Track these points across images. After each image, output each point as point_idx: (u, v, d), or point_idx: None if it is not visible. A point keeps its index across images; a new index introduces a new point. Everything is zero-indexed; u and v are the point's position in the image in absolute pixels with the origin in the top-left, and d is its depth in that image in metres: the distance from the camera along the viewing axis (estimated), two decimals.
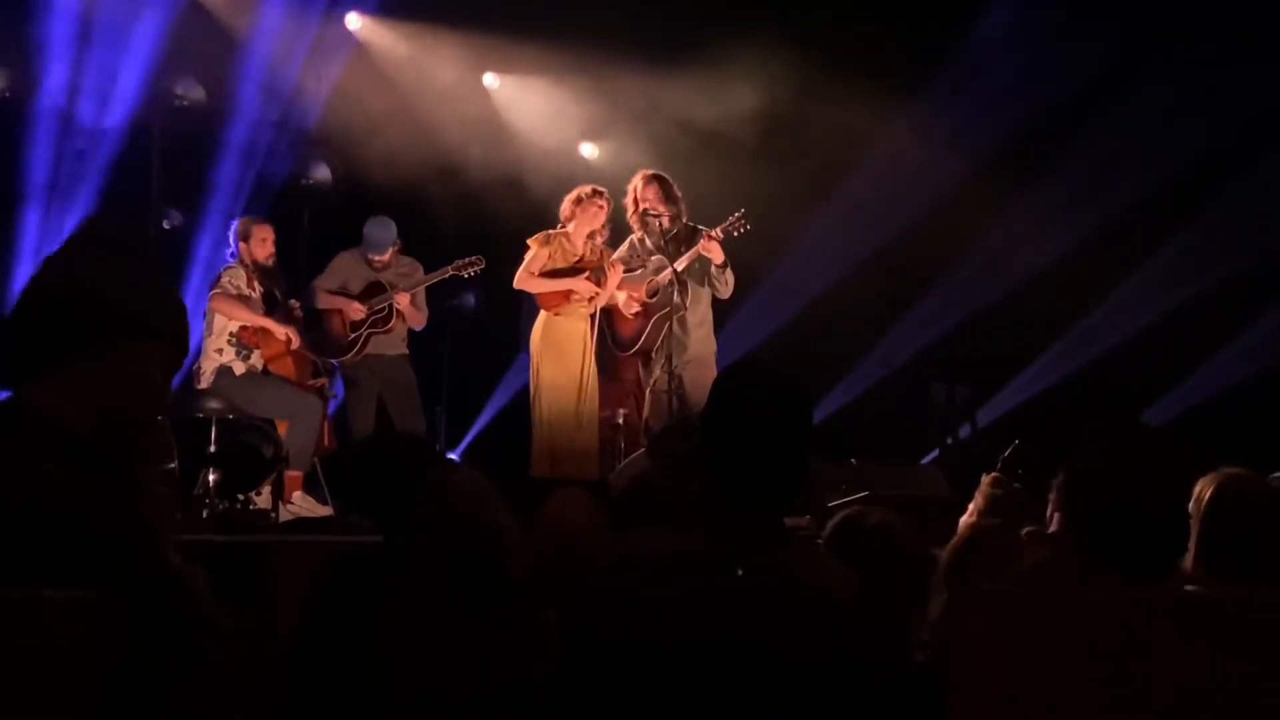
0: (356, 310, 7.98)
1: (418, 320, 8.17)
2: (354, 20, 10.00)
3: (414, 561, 3.01)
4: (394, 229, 8.14)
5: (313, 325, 8.02)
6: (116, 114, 9.09)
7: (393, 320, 8.03)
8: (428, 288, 8.19)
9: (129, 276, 2.16)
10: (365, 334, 8.01)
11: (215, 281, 7.53)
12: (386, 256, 8.12)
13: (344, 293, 8.04)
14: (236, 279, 7.47)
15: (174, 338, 2.21)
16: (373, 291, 8.05)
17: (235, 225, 7.75)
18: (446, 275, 8.12)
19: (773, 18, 9.30)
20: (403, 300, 7.99)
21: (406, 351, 8.23)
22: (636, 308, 7.69)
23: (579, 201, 7.68)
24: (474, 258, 8.05)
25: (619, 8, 9.34)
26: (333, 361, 8.08)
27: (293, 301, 7.79)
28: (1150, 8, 9.44)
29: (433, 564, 2.94)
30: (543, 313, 7.75)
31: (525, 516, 3.94)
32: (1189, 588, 2.70)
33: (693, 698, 2.28)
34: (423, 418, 8.27)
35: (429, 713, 2.81)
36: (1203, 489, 3.08)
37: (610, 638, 2.36)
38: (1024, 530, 3.82)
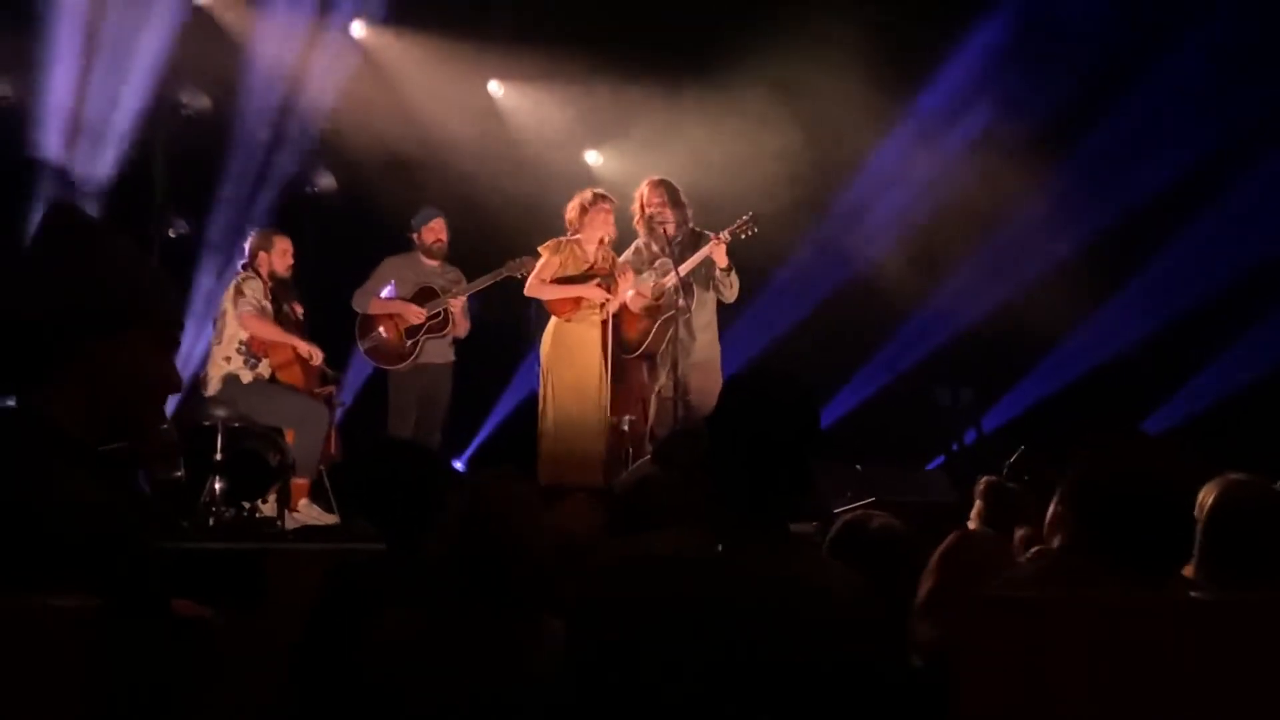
0: (416, 314, 7.95)
1: (463, 327, 8.14)
2: (358, 29, 10.01)
3: (435, 565, 3.01)
4: (439, 211, 8.21)
5: (365, 333, 8.03)
6: (122, 122, 9.10)
7: (448, 325, 8.03)
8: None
9: (102, 268, 2.11)
10: (422, 339, 8.01)
11: (235, 292, 7.41)
12: (444, 235, 8.12)
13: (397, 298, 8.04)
14: (257, 291, 7.41)
15: (160, 317, 2.16)
16: (425, 296, 8.03)
17: (252, 235, 7.69)
18: (501, 277, 8.03)
19: (777, 25, 9.32)
20: (457, 304, 7.99)
21: (453, 359, 8.22)
22: (642, 303, 7.70)
23: (584, 208, 7.67)
24: (525, 258, 7.95)
25: (622, 15, 9.36)
26: (384, 366, 8.07)
27: (297, 306, 7.76)
28: (1146, 13, 9.46)
29: (456, 569, 2.95)
30: (553, 319, 7.74)
31: None
32: (1194, 593, 2.70)
33: (696, 702, 2.28)
34: (439, 432, 8.26)
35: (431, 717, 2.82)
36: (1206, 494, 3.07)
37: (614, 642, 2.36)
38: (1018, 533, 3.82)
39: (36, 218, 2.17)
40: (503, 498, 3.05)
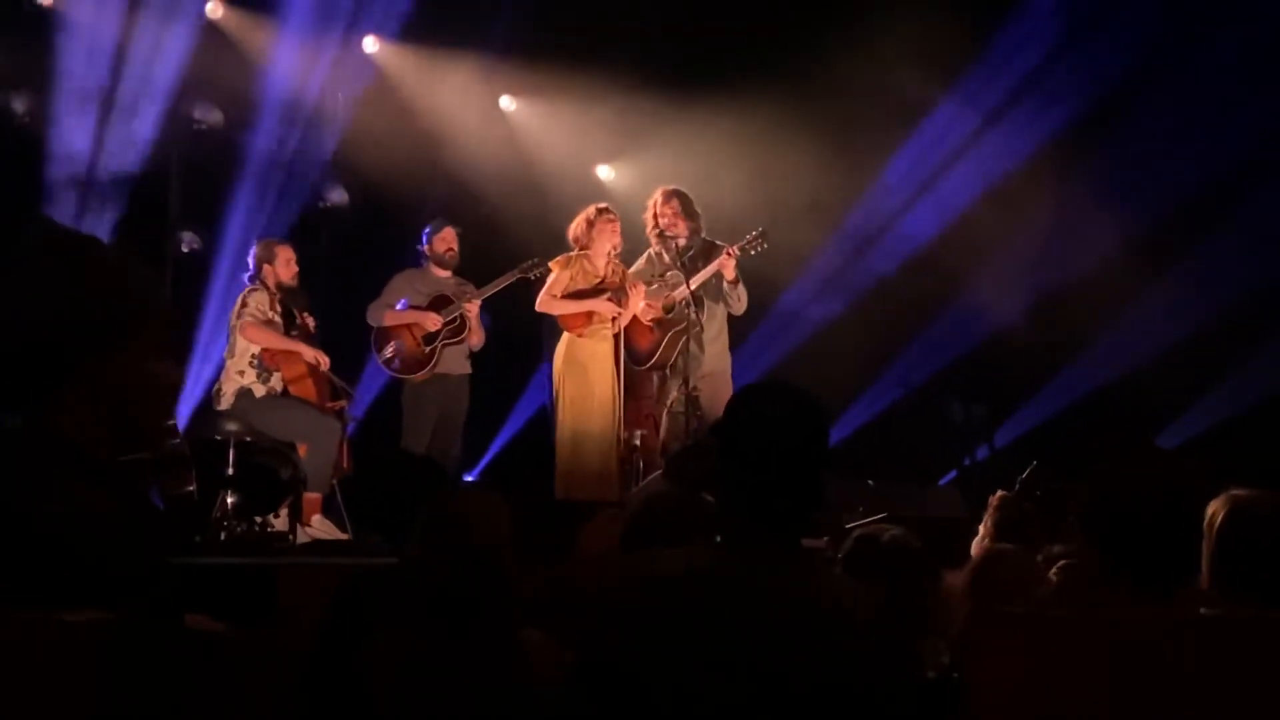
0: (434, 321, 7.95)
1: (479, 336, 8.14)
2: (371, 44, 10.04)
3: (410, 581, 3.03)
4: (450, 221, 8.24)
5: (381, 345, 8.03)
6: (136, 137, 9.13)
7: (465, 331, 8.02)
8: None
9: (94, 283, 2.10)
10: (440, 346, 8.00)
11: (240, 305, 7.42)
12: (455, 245, 8.14)
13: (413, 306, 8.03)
14: (261, 303, 7.43)
15: (155, 321, 2.14)
16: (440, 304, 8.02)
17: (254, 248, 7.69)
18: (514, 279, 8.02)
19: (788, 40, 9.33)
20: (473, 309, 7.98)
21: (469, 371, 8.21)
22: (653, 315, 7.69)
23: (590, 223, 7.69)
24: (537, 259, 7.96)
25: (635, 30, 9.38)
26: (405, 376, 8.05)
27: (308, 317, 7.76)
28: (1160, 25, 9.45)
29: (426, 583, 2.96)
30: (566, 334, 7.75)
31: (551, 538, 3.97)
32: (1204, 610, 2.69)
33: (706, 718, 2.28)
34: (458, 445, 8.24)
35: None
36: (1215, 510, 3.07)
37: (626, 658, 2.36)
38: (1053, 549, 3.81)
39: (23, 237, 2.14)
40: (460, 510, 3.06)
